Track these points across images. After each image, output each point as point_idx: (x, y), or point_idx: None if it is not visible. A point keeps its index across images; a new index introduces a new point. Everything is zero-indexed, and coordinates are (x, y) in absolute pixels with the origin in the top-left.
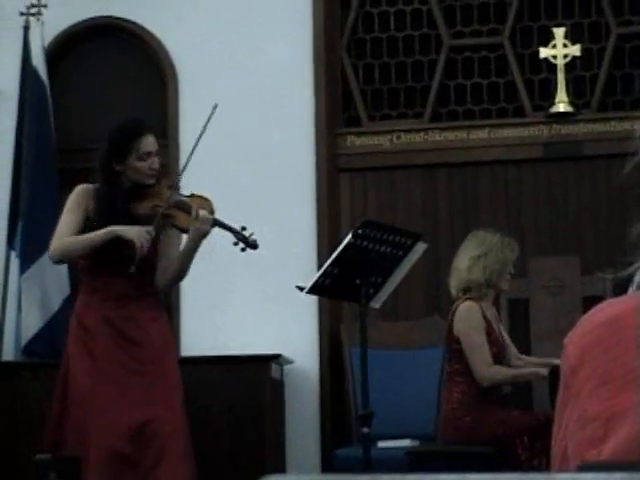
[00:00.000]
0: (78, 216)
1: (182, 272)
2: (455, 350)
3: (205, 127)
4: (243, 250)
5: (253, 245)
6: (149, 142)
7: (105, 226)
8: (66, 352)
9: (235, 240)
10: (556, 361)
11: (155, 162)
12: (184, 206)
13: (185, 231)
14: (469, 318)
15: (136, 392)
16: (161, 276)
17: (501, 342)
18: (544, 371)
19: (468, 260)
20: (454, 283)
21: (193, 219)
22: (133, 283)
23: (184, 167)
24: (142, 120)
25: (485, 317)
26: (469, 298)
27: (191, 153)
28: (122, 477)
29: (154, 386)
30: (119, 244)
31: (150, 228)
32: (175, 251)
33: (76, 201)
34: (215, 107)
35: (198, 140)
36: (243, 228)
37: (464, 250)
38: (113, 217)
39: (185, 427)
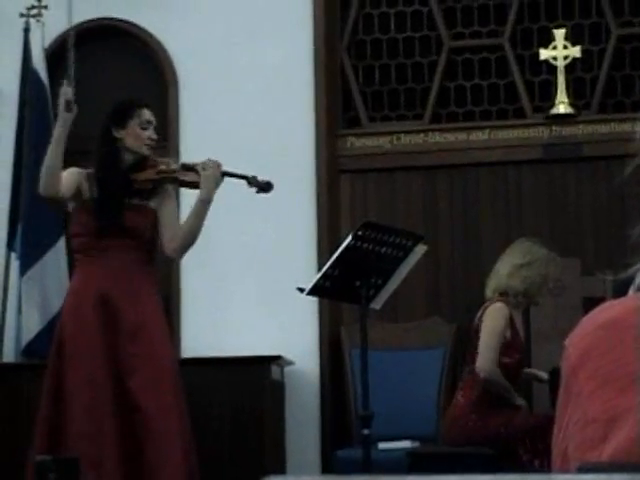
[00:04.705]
0: (72, 175)
1: (193, 234)
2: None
3: None
4: (258, 192)
5: (267, 187)
6: (149, 113)
7: (105, 192)
8: (59, 330)
9: (248, 185)
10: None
11: (154, 133)
12: (190, 167)
13: (194, 186)
14: (496, 318)
15: (127, 378)
16: (170, 243)
17: (524, 351)
18: (523, 403)
19: (511, 267)
20: (492, 285)
21: (203, 168)
22: (132, 258)
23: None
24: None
25: (513, 323)
26: (501, 300)
27: None
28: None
29: (146, 370)
30: (120, 224)
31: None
32: (176, 218)
33: (70, 171)
34: None
35: None
36: (254, 176)
37: (508, 256)
38: (115, 182)
39: (180, 412)
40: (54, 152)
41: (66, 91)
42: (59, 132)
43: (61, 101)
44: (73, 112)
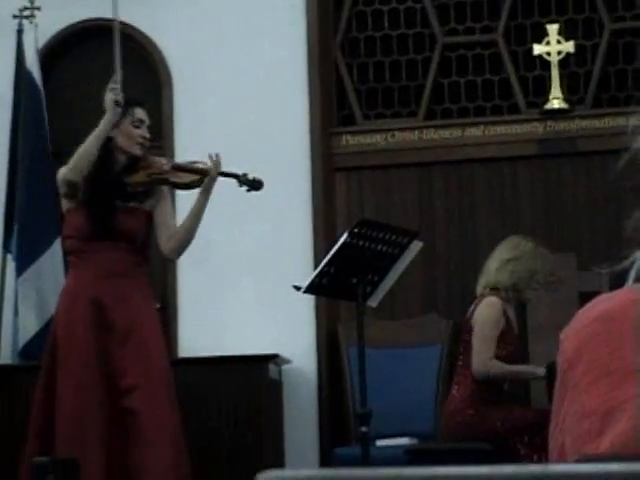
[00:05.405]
0: None
1: (191, 233)
2: (470, 343)
3: None
4: (248, 191)
5: (257, 185)
6: (142, 112)
7: (98, 194)
8: (53, 331)
9: (239, 184)
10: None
11: (147, 132)
12: (184, 167)
13: (188, 187)
14: (489, 311)
15: (118, 380)
16: (167, 244)
17: (517, 344)
18: (541, 371)
19: (499, 261)
20: (482, 282)
21: (208, 168)
22: (125, 260)
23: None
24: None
25: (506, 316)
26: (493, 295)
27: None
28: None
29: (137, 372)
30: (112, 219)
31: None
32: (172, 218)
33: None
34: None
35: None
36: (244, 174)
37: (497, 252)
38: (106, 185)
39: (171, 414)
40: (95, 140)
41: (115, 90)
42: (105, 125)
43: (109, 96)
44: (119, 110)
